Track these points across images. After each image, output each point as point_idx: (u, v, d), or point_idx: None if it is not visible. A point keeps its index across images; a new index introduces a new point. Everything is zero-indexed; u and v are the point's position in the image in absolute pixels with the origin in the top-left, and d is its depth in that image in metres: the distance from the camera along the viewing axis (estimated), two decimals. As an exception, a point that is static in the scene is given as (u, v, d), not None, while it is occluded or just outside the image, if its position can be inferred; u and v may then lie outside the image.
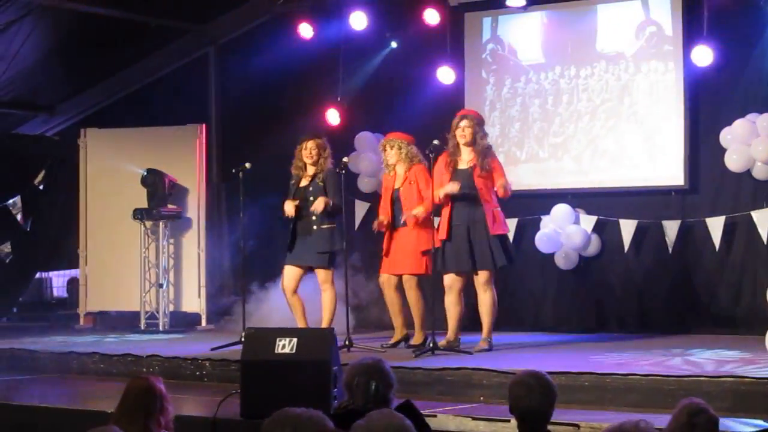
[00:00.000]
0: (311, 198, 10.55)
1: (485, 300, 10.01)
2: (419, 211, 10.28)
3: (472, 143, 10.03)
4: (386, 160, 10.67)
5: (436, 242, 10.14)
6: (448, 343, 9.94)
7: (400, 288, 10.57)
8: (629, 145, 11.96)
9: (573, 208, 11.93)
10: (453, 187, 9.88)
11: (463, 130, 10.04)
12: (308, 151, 10.65)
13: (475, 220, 9.94)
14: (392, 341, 10.65)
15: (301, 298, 10.70)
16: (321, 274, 10.64)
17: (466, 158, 10.06)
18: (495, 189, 9.94)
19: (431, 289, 10.18)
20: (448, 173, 10.04)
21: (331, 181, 10.56)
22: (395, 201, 10.55)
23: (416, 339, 10.59)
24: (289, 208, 10.57)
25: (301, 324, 10.61)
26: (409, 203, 10.41)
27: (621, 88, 12.02)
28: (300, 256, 10.65)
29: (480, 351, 9.89)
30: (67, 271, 15.51)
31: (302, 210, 10.61)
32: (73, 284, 15.23)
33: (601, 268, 12.12)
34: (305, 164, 10.70)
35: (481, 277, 9.97)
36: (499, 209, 10.05)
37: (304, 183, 10.69)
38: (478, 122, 10.14)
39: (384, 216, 10.57)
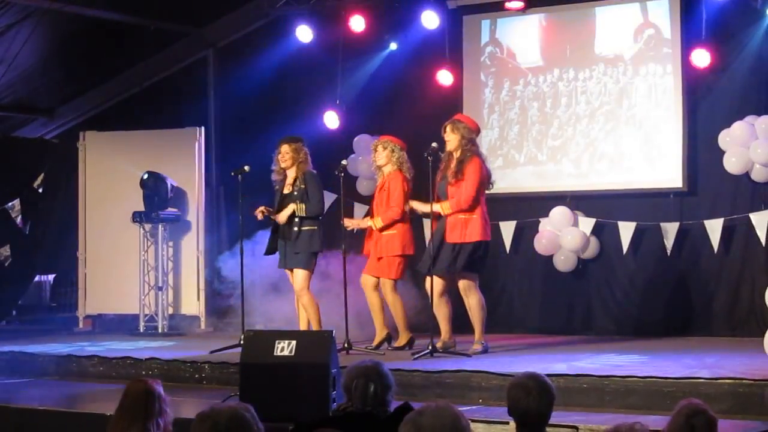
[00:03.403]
0: (297, 202, 10.57)
1: (470, 304, 10.08)
2: (376, 224, 10.46)
3: (456, 150, 10.02)
4: (375, 161, 10.66)
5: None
6: (444, 344, 10.00)
7: (378, 289, 10.62)
8: (628, 147, 11.97)
9: (572, 211, 11.94)
10: (417, 207, 10.18)
11: (447, 137, 10.05)
12: (282, 155, 10.67)
13: (443, 227, 9.98)
14: (375, 343, 10.64)
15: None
16: (298, 275, 10.56)
17: (452, 166, 10.06)
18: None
19: (425, 292, 10.23)
20: (438, 179, 10.10)
21: (309, 183, 10.57)
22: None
23: (400, 341, 10.61)
24: (258, 212, 10.66)
25: (302, 326, 10.62)
26: (379, 210, 10.50)
27: (619, 91, 12.03)
28: (285, 261, 10.70)
29: (475, 353, 9.92)
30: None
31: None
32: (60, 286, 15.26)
33: (599, 270, 12.13)
34: (282, 169, 10.73)
35: (461, 284, 10.02)
36: (473, 217, 9.95)
37: (287, 190, 10.70)
38: (462, 129, 10.04)
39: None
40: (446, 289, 10.11)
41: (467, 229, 9.94)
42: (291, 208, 10.55)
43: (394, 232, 10.47)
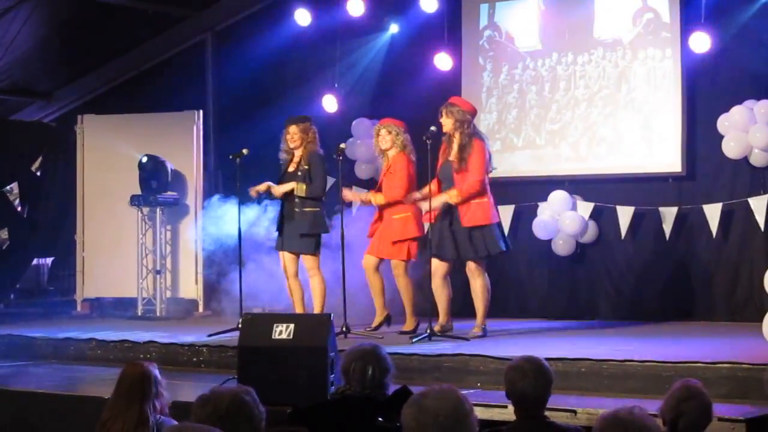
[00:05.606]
0: (298, 182, 10.56)
1: (475, 287, 10.03)
2: (377, 200, 10.46)
3: (453, 133, 10.01)
4: (378, 144, 10.63)
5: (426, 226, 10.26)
6: (442, 328, 10.00)
7: (380, 271, 10.62)
8: (626, 131, 11.95)
9: (570, 195, 11.93)
10: (436, 204, 9.94)
11: (443, 120, 10.03)
12: (290, 135, 10.66)
13: (452, 211, 9.95)
14: (374, 324, 10.65)
15: (301, 283, 10.70)
16: (307, 260, 10.62)
17: (454, 150, 10.04)
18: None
19: (424, 275, 10.21)
20: (440, 162, 10.07)
21: (314, 164, 10.55)
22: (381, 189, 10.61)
23: (407, 325, 10.59)
24: (252, 191, 10.82)
25: (299, 310, 10.62)
26: (390, 192, 10.48)
27: (618, 75, 12.01)
28: (285, 241, 10.68)
29: (474, 337, 9.92)
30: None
31: (288, 195, 10.63)
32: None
33: (598, 254, 12.13)
34: (291, 149, 10.71)
35: (468, 266, 10.00)
36: (484, 200, 9.95)
37: (291, 168, 10.70)
38: (455, 112, 9.99)
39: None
40: (448, 272, 10.10)
41: (483, 212, 9.94)
42: (291, 185, 10.54)
43: (408, 215, 10.45)
